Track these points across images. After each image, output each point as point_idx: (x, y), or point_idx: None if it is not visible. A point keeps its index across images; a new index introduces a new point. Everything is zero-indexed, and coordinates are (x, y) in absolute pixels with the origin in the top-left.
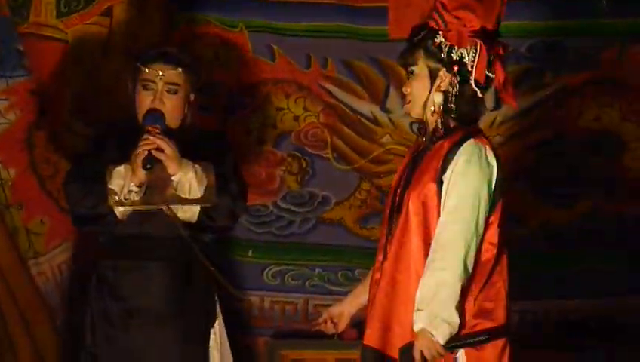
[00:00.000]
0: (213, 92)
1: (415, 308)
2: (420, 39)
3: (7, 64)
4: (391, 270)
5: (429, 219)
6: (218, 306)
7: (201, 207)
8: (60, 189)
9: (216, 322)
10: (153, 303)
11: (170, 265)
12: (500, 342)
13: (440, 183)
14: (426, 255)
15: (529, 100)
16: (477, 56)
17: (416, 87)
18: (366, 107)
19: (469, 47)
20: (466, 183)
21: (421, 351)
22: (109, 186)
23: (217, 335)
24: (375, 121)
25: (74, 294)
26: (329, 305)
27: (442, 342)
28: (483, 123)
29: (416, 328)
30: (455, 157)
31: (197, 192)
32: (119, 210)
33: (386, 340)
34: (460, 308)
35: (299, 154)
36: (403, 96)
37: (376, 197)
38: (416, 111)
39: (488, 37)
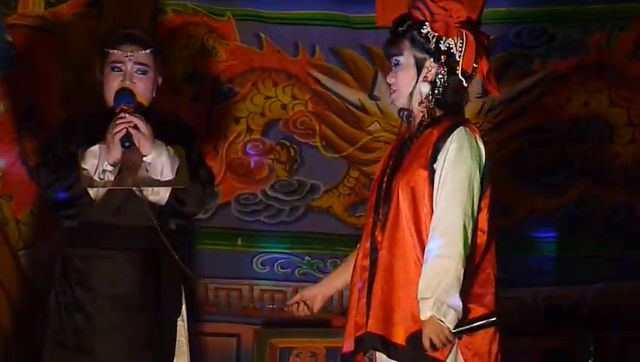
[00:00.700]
0: (201, 81)
1: (419, 297)
2: (405, 30)
3: None
4: (387, 258)
5: (418, 206)
6: (183, 295)
7: (172, 190)
8: None
9: (182, 310)
10: (123, 293)
11: (140, 254)
12: (491, 328)
13: (431, 170)
14: (419, 240)
15: (517, 87)
16: (464, 47)
17: (402, 78)
18: (354, 95)
19: (456, 38)
20: (459, 170)
21: (430, 338)
22: (83, 167)
23: (184, 323)
24: (363, 108)
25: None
26: None
27: (452, 328)
28: (471, 110)
29: (423, 316)
30: (446, 145)
31: (169, 174)
32: (92, 191)
33: (389, 326)
34: (462, 294)
35: (287, 143)
36: (389, 86)
37: (365, 185)
38: (401, 101)
39: (473, 27)
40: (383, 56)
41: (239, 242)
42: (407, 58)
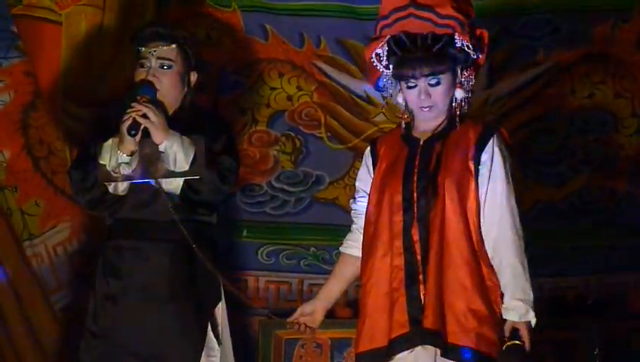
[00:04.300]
0: (206, 72)
1: (517, 297)
2: (442, 49)
3: (2, 46)
4: (439, 255)
5: (465, 205)
6: (222, 288)
7: (185, 179)
8: (54, 171)
9: (219, 304)
10: (153, 283)
11: (171, 246)
12: None
13: (476, 171)
14: (468, 238)
15: (521, 78)
16: (483, 45)
17: (442, 94)
18: (359, 86)
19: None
20: (507, 172)
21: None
22: (100, 162)
23: (219, 317)
24: (368, 99)
25: (73, 276)
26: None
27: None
28: (477, 101)
29: (526, 318)
30: (489, 147)
31: (182, 164)
32: (111, 186)
33: (444, 325)
34: None
35: (293, 134)
36: (419, 105)
37: None
38: (437, 115)
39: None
40: None
41: (244, 233)
42: (447, 75)
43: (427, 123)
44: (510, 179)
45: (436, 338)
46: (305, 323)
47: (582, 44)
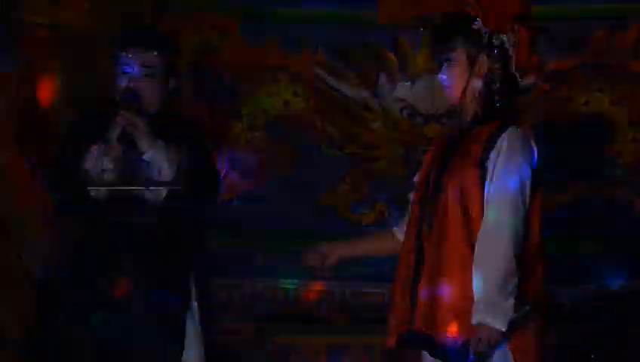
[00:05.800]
0: (204, 78)
1: (475, 300)
2: (455, 26)
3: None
4: (435, 256)
5: (469, 205)
6: (194, 289)
7: (169, 189)
8: None
9: (193, 308)
10: (129, 292)
11: (146, 255)
12: (535, 323)
13: (482, 169)
14: (468, 241)
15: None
16: (518, 42)
17: (453, 74)
18: (356, 92)
19: (508, 32)
20: (510, 170)
21: (480, 341)
22: (84, 168)
23: (193, 320)
24: (365, 106)
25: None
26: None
27: (504, 330)
28: None
29: (474, 320)
30: (497, 144)
31: (167, 174)
32: (94, 191)
33: (434, 326)
34: (516, 291)
35: (289, 140)
36: (442, 84)
37: (367, 183)
38: (453, 98)
39: (524, 20)
40: (385, 54)
41: (242, 239)
42: (459, 54)
43: (463, 115)
44: (509, 179)
45: (423, 339)
46: (319, 258)
47: (579, 51)
